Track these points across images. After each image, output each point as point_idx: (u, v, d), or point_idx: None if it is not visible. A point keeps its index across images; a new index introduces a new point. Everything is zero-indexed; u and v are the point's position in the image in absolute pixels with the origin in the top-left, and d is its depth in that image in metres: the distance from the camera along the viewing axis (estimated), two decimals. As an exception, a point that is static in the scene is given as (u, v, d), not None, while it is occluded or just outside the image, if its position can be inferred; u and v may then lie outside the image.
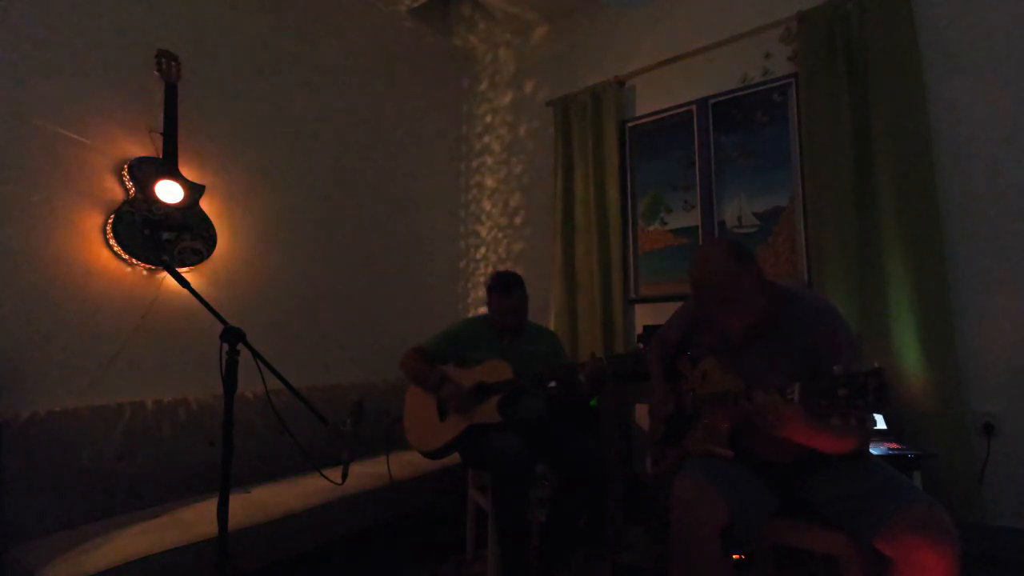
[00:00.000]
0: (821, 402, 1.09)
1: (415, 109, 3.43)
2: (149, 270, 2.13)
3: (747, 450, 1.40)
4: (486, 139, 3.69)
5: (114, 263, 2.07)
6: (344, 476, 1.45)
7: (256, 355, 1.33)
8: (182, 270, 2.16)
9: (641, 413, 2.73)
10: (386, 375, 2.83)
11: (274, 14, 2.68)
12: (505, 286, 2.15)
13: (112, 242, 2.03)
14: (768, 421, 1.19)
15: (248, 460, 2.15)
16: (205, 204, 2.28)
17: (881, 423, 2.01)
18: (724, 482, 1.31)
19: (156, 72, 2.17)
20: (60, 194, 1.97)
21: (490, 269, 3.52)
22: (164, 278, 2.15)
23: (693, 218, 2.80)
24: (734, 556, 1.74)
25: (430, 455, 2.13)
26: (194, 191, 2.24)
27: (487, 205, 3.64)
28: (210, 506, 1.30)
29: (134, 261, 2.07)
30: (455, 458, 2.20)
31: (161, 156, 2.15)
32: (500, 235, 3.56)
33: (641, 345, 2.35)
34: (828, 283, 2.28)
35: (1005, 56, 2.08)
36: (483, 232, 3.64)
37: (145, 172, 2.11)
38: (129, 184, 2.08)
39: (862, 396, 1.01)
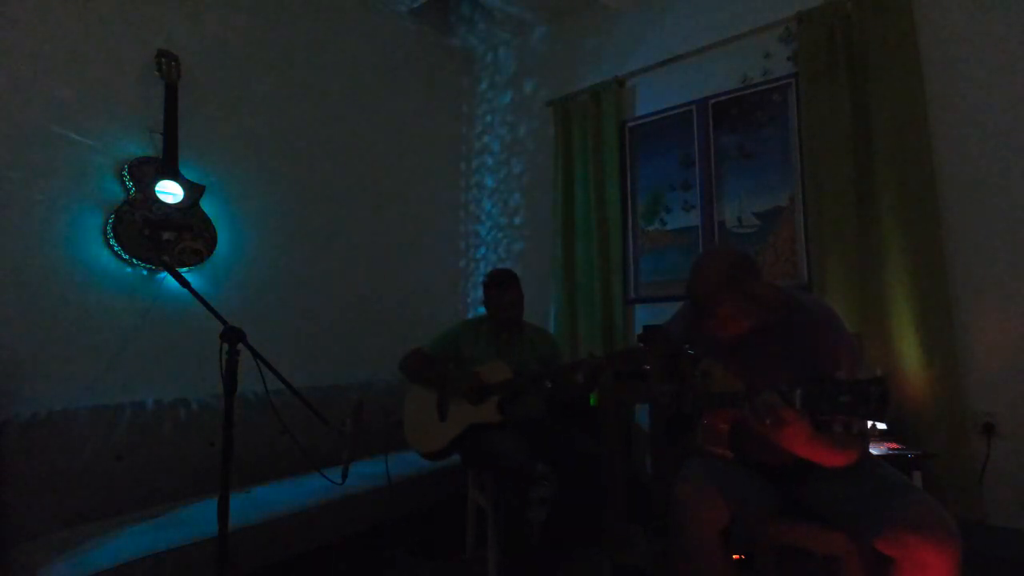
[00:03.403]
0: (823, 407, 1.09)
1: (415, 109, 3.43)
2: (149, 270, 2.13)
3: (746, 452, 1.40)
4: (486, 139, 3.69)
5: (114, 263, 2.07)
6: (344, 476, 1.45)
7: (256, 355, 1.33)
8: (182, 270, 2.16)
9: (642, 413, 2.73)
10: (386, 375, 2.83)
11: (274, 14, 2.68)
12: (502, 281, 2.22)
13: (112, 242, 2.03)
14: (767, 425, 1.18)
15: (248, 460, 2.15)
16: (205, 204, 2.28)
17: (881, 423, 2.01)
18: (724, 482, 1.31)
19: (156, 72, 2.17)
20: (60, 194, 1.97)
21: (490, 269, 3.52)
22: (164, 278, 2.15)
23: (693, 218, 2.80)
24: (734, 556, 1.74)
25: (431, 457, 2.13)
26: (194, 191, 2.24)
27: (487, 205, 3.64)
28: (210, 506, 1.30)
29: (134, 261, 2.07)
30: (455, 458, 2.20)
31: (161, 156, 2.15)
32: (500, 235, 3.56)
33: (642, 344, 2.35)
34: (828, 283, 2.28)
35: (1004, 55, 2.07)
36: (483, 232, 3.64)
37: (145, 172, 2.11)
38: (129, 184, 2.08)
39: (864, 404, 1.01)
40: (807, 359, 1.29)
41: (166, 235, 2.14)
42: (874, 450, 1.81)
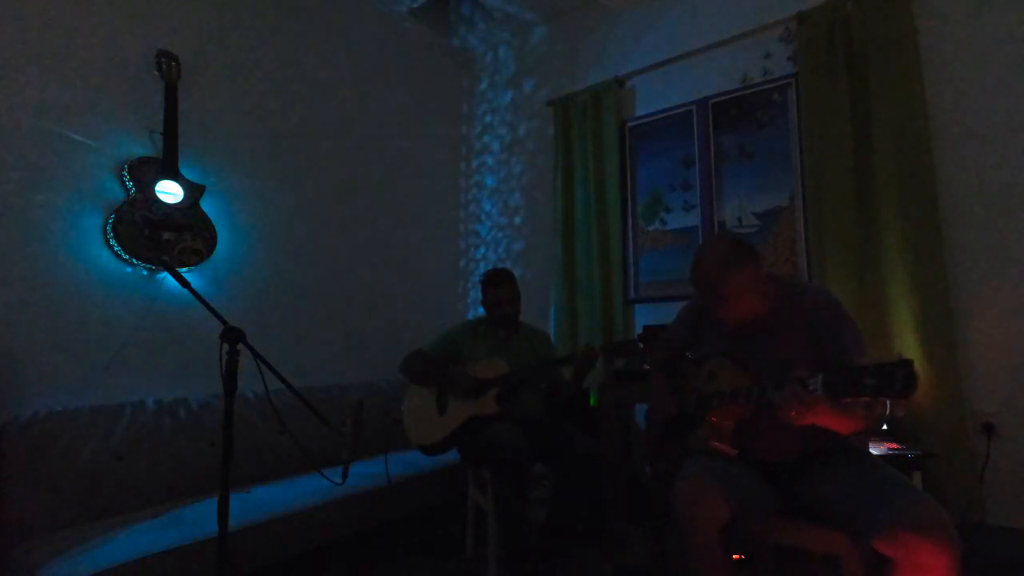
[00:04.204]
0: (848, 392, 1.10)
1: (415, 109, 3.43)
2: (149, 270, 2.13)
3: (748, 449, 1.41)
4: (486, 139, 3.69)
5: (114, 263, 2.07)
6: (344, 476, 1.45)
7: (256, 355, 1.33)
8: (182, 270, 2.16)
9: (641, 413, 2.73)
10: (386, 375, 2.83)
11: (274, 14, 2.68)
12: (499, 279, 2.26)
13: (112, 242, 2.03)
14: (792, 414, 1.19)
15: (248, 460, 2.15)
16: (205, 204, 2.28)
17: (906, 401, 2.00)
18: (726, 481, 1.31)
19: (156, 72, 2.17)
20: (60, 194, 1.97)
21: (489, 269, 3.52)
22: (164, 278, 2.15)
23: (693, 218, 2.80)
24: (734, 556, 1.74)
25: (430, 450, 2.14)
26: (194, 191, 2.24)
27: (487, 205, 3.64)
28: (210, 506, 1.30)
29: (134, 261, 2.07)
30: (455, 458, 2.20)
31: (161, 156, 2.15)
32: (500, 235, 3.56)
33: (641, 344, 2.35)
34: (828, 283, 2.28)
35: (1004, 55, 2.08)
36: (483, 232, 3.65)
37: (145, 172, 2.11)
38: (129, 184, 2.08)
39: (890, 385, 1.02)
40: (814, 346, 1.32)
41: (166, 235, 2.14)
42: (874, 450, 1.81)
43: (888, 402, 1.05)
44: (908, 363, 1.01)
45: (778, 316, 1.40)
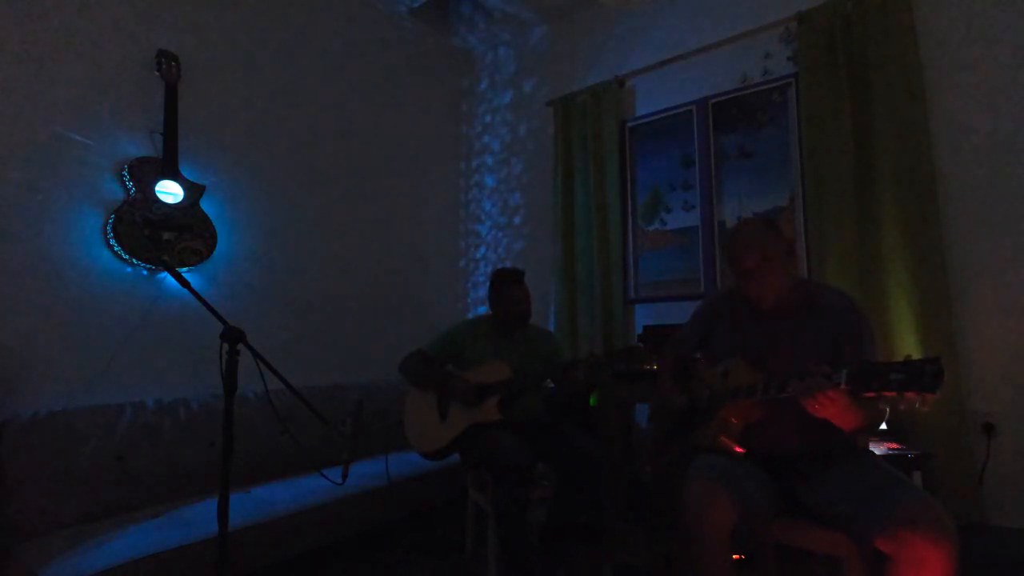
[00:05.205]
0: (872, 385, 1.10)
1: (415, 109, 3.43)
2: (149, 270, 2.13)
3: (756, 445, 1.42)
4: (486, 139, 3.69)
5: (114, 263, 2.07)
6: (344, 476, 1.45)
7: (256, 355, 1.32)
8: (182, 270, 2.16)
9: (641, 413, 2.73)
10: (386, 375, 2.83)
11: (274, 14, 2.68)
12: (516, 277, 2.23)
13: (112, 242, 2.03)
14: (815, 406, 1.20)
15: (248, 460, 2.15)
16: (205, 204, 2.28)
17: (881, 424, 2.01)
18: (733, 482, 1.31)
19: (156, 72, 2.17)
20: (60, 194, 1.97)
21: (490, 269, 3.52)
22: (164, 278, 2.16)
23: (693, 218, 2.80)
24: (734, 556, 1.74)
25: (431, 457, 2.13)
26: (194, 191, 2.24)
27: (487, 205, 3.64)
28: (210, 506, 1.30)
29: (134, 261, 2.07)
30: (455, 459, 2.20)
31: (161, 156, 2.15)
32: (500, 235, 3.56)
33: (641, 344, 2.35)
34: (828, 283, 2.28)
35: (1004, 55, 2.08)
36: (483, 232, 3.64)
37: (145, 172, 2.11)
38: (129, 184, 2.08)
39: (918, 380, 1.03)
40: (831, 342, 1.37)
41: (166, 235, 2.14)
42: (874, 450, 1.81)
43: (911, 398, 1.06)
44: (936, 359, 1.04)
45: (797, 311, 1.44)
